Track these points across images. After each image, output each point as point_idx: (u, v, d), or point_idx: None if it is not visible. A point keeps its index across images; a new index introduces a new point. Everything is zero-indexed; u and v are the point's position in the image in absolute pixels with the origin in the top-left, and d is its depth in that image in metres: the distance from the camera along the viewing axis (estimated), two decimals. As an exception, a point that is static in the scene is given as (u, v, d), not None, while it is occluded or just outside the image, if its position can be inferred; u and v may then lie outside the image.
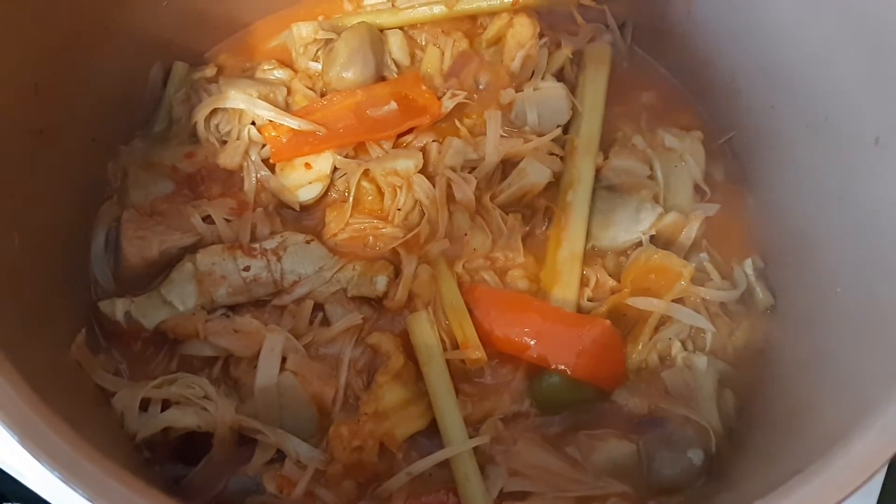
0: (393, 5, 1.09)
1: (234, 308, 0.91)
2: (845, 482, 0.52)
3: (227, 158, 0.97)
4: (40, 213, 0.83)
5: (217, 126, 0.99)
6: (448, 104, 0.99)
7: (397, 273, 0.92)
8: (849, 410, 0.62)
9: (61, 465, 0.48)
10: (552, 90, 1.02)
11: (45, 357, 0.77)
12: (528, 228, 0.98)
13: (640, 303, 0.91)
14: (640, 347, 0.90)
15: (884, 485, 0.87)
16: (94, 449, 0.50)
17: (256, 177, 0.97)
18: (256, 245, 0.92)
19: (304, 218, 0.98)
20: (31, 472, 0.90)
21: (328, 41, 1.04)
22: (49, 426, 0.50)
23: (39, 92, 0.82)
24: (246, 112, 0.98)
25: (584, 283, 0.94)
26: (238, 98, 0.98)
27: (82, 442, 0.50)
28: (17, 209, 0.78)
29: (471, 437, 0.83)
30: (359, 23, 1.04)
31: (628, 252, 0.96)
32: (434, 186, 0.95)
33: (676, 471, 0.85)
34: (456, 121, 1.00)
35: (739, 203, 1.02)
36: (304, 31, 1.06)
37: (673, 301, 0.91)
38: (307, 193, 0.97)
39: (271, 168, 0.98)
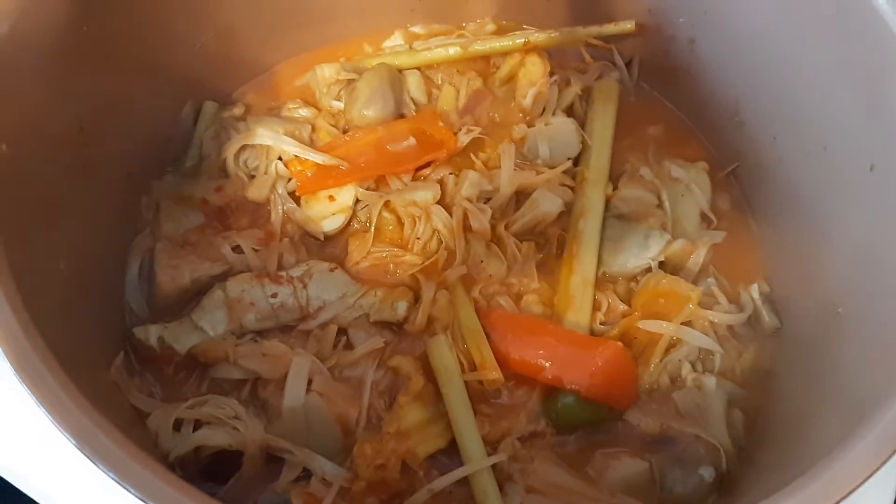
0: (410, 47, 1.15)
1: (261, 333, 0.94)
2: (845, 482, 0.54)
3: (255, 192, 1.02)
4: (82, 244, 0.87)
5: (245, 161, 1.04)
6: (464, 139, 1.04)
7: (417, 298, 0.96)
8: (849, 418, 0.64)
9: (115, 468, 0.52)
10: (562, 125, 1.07)
11: (86, 379, 0.80)
12: (541, 256, 1.01)
13: (651, 326, 0.94)
14: (651, 369, 0.93)
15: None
16: (143, 453, 0.54)
17: (283, 209, 1.01)
18: (283, 273, 0.96)
19: (328, 247, 1.02)
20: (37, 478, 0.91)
21: (350, 81, 1.09)
22: (103, 431, 0.54)
23: (83, 132, 0.87)
24: (273, 148, 1.03)
25: (596, 307, 0.97)
26: (265, 135, 1.03)
27: (132, 446, 0.54)
28: (63, 239, 0.82)
29: (489, 456, 0.85)
30: (379, 64, 1.09)
31: (638, 278, 1.00)
32: (451, 216, 0.99)
33: (688, 488, 0.86)
34: (471, 155, 1.04)
35: (745, 230, 1.06)
36: (326, 72, 1.11)
37: (682, 324, 0.94)
38: (331, 224, 1.01)
39: (297, 200, 1.02)
